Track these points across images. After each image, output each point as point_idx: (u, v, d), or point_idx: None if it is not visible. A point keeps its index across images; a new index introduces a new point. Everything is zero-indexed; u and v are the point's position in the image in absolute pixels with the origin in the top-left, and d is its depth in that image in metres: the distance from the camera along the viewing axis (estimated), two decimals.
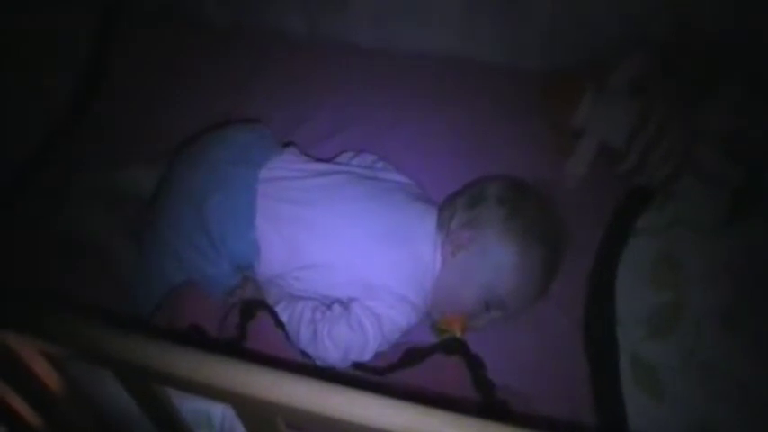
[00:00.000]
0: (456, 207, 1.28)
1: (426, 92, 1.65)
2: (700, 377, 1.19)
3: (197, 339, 1.10)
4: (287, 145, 1.37)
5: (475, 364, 1.17)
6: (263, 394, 0.67)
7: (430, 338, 1.27)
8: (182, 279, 1.20)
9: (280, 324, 1.16)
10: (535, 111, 1.57)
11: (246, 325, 1.13)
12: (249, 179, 1.24)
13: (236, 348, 1.11)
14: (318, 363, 1.17)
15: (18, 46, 1.52)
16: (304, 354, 1.17)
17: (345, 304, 1.19)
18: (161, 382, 0.77)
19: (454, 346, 1.20)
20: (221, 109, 1.56)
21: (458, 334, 1.23)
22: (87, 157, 1.54)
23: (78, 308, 1.16)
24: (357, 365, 1.18)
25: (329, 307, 1.20)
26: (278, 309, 1.18)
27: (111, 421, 1.00)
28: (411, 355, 1.20)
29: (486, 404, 1.13)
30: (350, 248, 1.22)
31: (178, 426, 0.90)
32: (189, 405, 0.91)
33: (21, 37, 1.53)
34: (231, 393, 0.68)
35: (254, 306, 1.16)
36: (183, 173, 1.27)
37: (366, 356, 1.17)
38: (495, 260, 1.22)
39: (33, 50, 1.56)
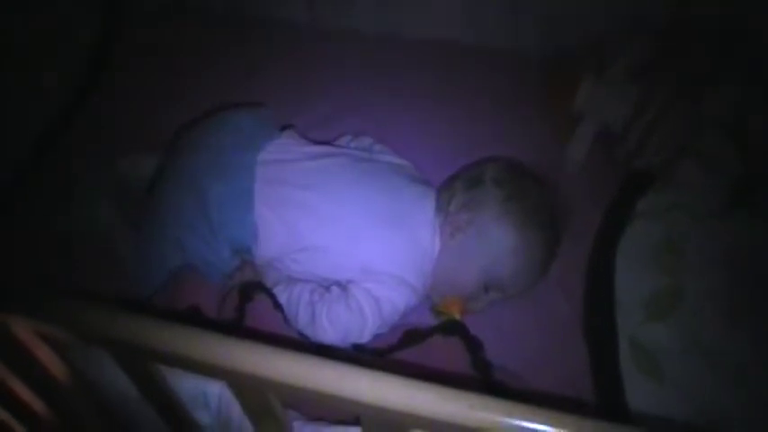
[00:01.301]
0: (454, 189, 1.28)
1: (427, 78, 1.65)
2: (699, 360, 1.19)
3: (195, 321, 1.10)
4: (285, 128, 1.37)
5: (474, 346, 1.17)
6: (254, 369, 0.67)
7: (429, 320, 1.27)
8: (181, 263, 1.21)
9: (278, 306, 1.16)
10: (535, 96, 1.57)
11: (245, 307, 1.14)
12: (248, 163, 1.23)
13: (235, 330, 1.11)
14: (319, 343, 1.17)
15: (18, 45, 1.52)
16: (302, 336, 1.17)
17: (344, 286, 1.19)
18: (154, 360, 0.78)
19: (453, 328, 1.20)
20: (223, 97, 1.55)
21: (457, 316, 1.24)
22: (88, 152, 1.53)
23: (76, 292, 1.19)
24: (356, 347, 1.18)
25: (327, 289, 1.20)
26: (276, 291, 1.19)
27: (112, 406, 1.01)
28: (410, 337, 1.20)
29: (483, 384, 1.13)
30: (348, 231, 1.22)
31: (176, 407, 0.90)
32: (186, 386, 0.91)
33: (21, 36, 1.53)
34: (223, 369, 0.69)
35: (253, 288, 1.16)
36: (182, 157, 1.28)
37: (364, 338, 1.18)
38: (494, 242, 1.22)
39: (33, 49, 1.56)
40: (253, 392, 0.74)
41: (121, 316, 0.73)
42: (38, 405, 1.01)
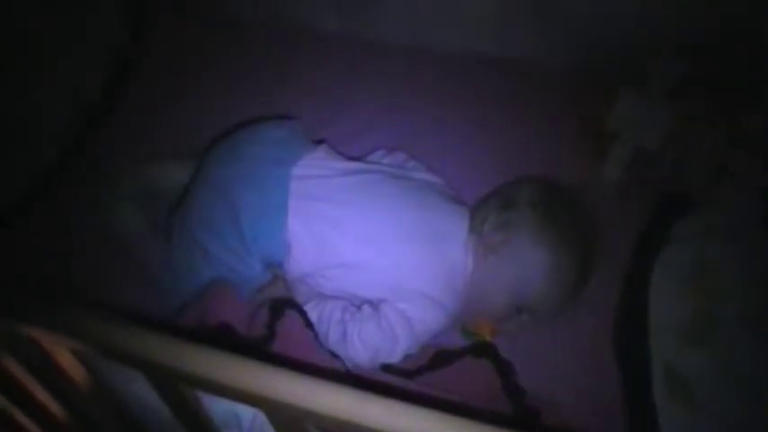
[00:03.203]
0: (489, 209, 1.27)
1: (456, 91, 1.64)
2: (734, 387, 1.17)
3: (226, 338, 1.10)
4: (319, 142, 1.36)
5: (505, 369, 1.16)
6: (294, 400, 0.66)
7: (459, 341, 1.26)
8: (211, 276, 1.20)
9: (309, 323, 1.15)
10: (565, 111, 1.56)
11: (275, 324, 1.13)
12: (282, 177, 1.22)
13: (266, 348, 1.10)
14: (347, 363, 1.16)
15: (46, 45, 1.52)
16: (332, 354, 1.16)
17: (375, 305, 1.18)
18: (191, 385, 0.77)
19: (484, 350, 1.19)
20: (252, 106, 1.55)
21: (487, 337, 1.22)
22: (116, 154, 1.54)
23: (108, 306, 1.18)
24: (385, 367, 1.17)
25: (359, 307, 1.19)
26: (307, 308, 1.18)
27: (137, 420, 1.01)
28: (440, 358, 1.19)
29: (517, 412, 1.11)
30: (381, 249, 1.20)
31: (207, 427, 0.89)
32: (218, 406, 0.90)
33: (50, 37, 1.53)
34: (262, 398, 0.68)
35: (284, 305, 1.15)
36: (215, 169, 1.27)
37: (395, 358, 1.16)
38: (527, 265, 1.21)
39: (62, 49, 1.56)
40: (291, 422, 0.73)
41: (156, 339, 0.72)
42: (65, 419, 1.01)
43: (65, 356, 0.84)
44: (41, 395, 0.97)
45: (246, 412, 0.94)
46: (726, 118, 1.37)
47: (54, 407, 0.99)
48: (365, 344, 1.14)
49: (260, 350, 1.08)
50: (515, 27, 1.63)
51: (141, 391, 0.95)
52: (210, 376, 0.69)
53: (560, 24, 1.59)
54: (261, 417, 0.93)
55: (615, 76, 1.48)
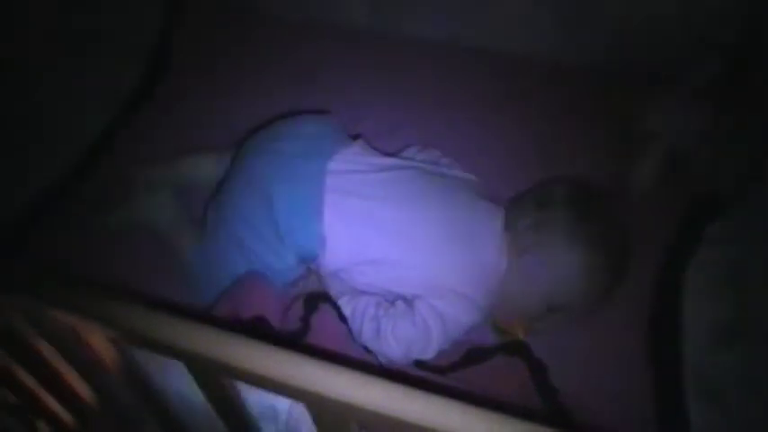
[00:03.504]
0: (523, 208, 1.26)
1: (489, 89, 1.64)
2: (764, 391, 1.16)
3: (260, 331, 1.10)
4: (355, 137, 1.36)
5: (537, 369, 1.16)
6: (341, 396, 0.66)
7: (491, 338, 1.25)
8: (245, 269, 1.21)
9: (343, 318, 1.16)
10: (601, 112, 1.55)
11: (310, 317, 1.13)
12: (318, 172, 1.23)
13: (300, 341, 1.11)
14: (380, 358, 1.16)
15: (79, 43, 1.53)
16: (365, 349, 1.16)
17: (409, 302, 1.18)
18: (235, 377, 0.77)
19: (516, 349, 1.19)
20: (284, 100, 1.55)
21: (520, 336, 1.22)
22: (150, 145, 1.55)
23: (144, 296, 1.19)
24: (418, 363, 1.17)
25: (392, 303, 1.18)
26: (341, 302, 1.18)
27: (171, 409, 1.01)
28: (473, 356, 1.19)
29: (549, 410, 1.11)
30: (416, 246, 1.20)
31: (244, 419, 0.90)
32: (256, 398, 0.91)
33: (82, 34, 1.54)
34: (308, 393, 0.68)
35: (318, 299, 1.15)
36: (252, 163, 1.27)
37: (428, 355, 1.16)
38: (561, 264, 1.20)
39: (94, 47, 1.57)
40: (334, 417, 0.73)
41: (202, 330, 0.72)
42: (96, 404, 1.02)
43: (101, 343, 0.85)
44: (74, 379, 0.98)
45: (283, 404, 0.94)
46: (759, 118, 1.35)
47: (86, 392, 1.00)
48: (399, 340, 1.14)
49: (295, 343, 1.08)
50: (546, 26, 1.62)
51: (177, 381, 0.96)
52: (255, 368, 0.69)
53: (592, 24, 1.58)
54: (297, 409, 0.94)
55: (647, 76, 1.47)
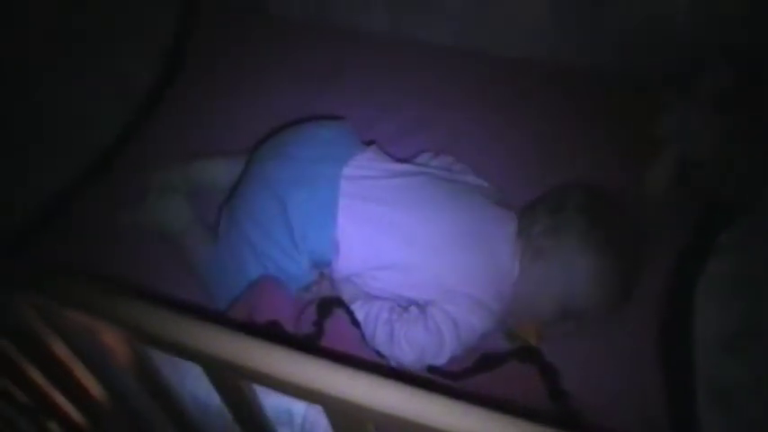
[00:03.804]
0: (537, 214, 1.27)
1: (505, 94, 1.65)
2: None
3: (275, 335, 1.11)
4: (369, 143, 1.37)
5: (550, 374, 1.16)
6: (358, 399, 0.67)
7: (504, 344, 1.26)
8: (259, 273, 1.21)
9: (356, 323, 1.16)
10: (612, 118, 1.55)
11: (323, 322, 1.14)
12: (332, 177, 1.23)
13: (316, 347, 1.11)
14: (393, 363, 1.16)
15: (96, 41, 1.54)
16: (378, 354, 1.17)
17: (422, 307, 1.19)
18: (253, 380, 0.78)
19: (529, 355, 1.19)
20: (300, 104, 1.56)
21: (533, 341, 1.22)
22: (163, 151, 1.56)
23: (160, 297, 1.19)
24: (431, 368, 1.17)
25: (406, 308, 1.19)
26: (354, 307, 1.18)
27: (185, 412, 1.02)
28: (486, 361, 1.19)
29: (562, 416, 1.11)
30: (430, 251, 1.21)
31: (258, 421, 0.90)
32: (271, 402, 0.91)
33: (99, 32, 1.55)
34: (325, 396, 0.68)
35: (332, 303, 1.16)
36: (266, 167, 1.28)
37: (441, 360, 1.17)
38: (574, 270, 1.20)
39: (115, 38, 1.58)
40: (351, 420, 0.73)
41: (221, 333, 0.72)
42: (106, 402, 1.02)
43: (115, 342, 0.86)
44: (86, 379, 0.98)
45: (299, 408, 0.95)
46: None
47: (98, 391, 1.01)
48: (412, 345, 1.14)
49: (310, 347, 1.09)
50: (564, 33, 1.63)
51: (191, 383, 0.97)
52: (273, 371, 0.69)
53: (610, 32, 1.58)
54: (312, 413, 0.95)
55: (663, 84, 1.47)
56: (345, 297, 1.21)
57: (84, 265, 1.34)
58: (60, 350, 0.92)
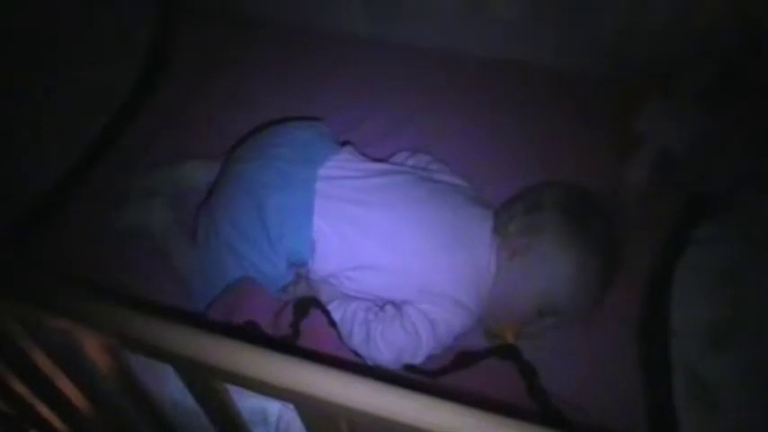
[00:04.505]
0: (513, 212, 1.27)
1: (483, 95, 1.64)
2: (758, 391, 1.16)
3: (252, 336, 1.10)
4: (344, 144, 1.36)
5: (528, 371, 1.16)
6: (329, 396, 0.66)
7: (482, 343, 1.26)
8: (238, 275, 1.21)
9: (332, 323, 1.16)
10: (593, 117, 1.55)
11: (300, 323, 1.13)
12: (308, 178, 1.23)
13: (291, 346, 1.11)
14: (370, 363, 1.16)
15: (75, 43, 1.53)
16: (356, 354, 1.16)
17: (399, 306, 1.19)
18: (225, 380, 0.77)
19: (507, 352, 1.19)
20: (278, 108, 1.56)
21: (511, 340, 1.22)
22: (143, 154, 1.55)
23: (140, 301, 1.19)
24: (409, 367, 1.17)
25: (382, 308, 1.19)
26: (331, 308, 1.18)
27: (166, 416, 1.01)
28: (463, 359, 1.19)
29: (541, 413, 1.11)
30: (406, 251, 1.21)
31: (234, 422, 0.89)
32: (247, 402, 0.91)
33: (77, 34, 1.54)
34: (296, 393, 0.68)
35: (308, 304, 1.16)
36: (242, 169, 1.28)
37: (418, 359, 1.17)
38: (551, 267, 1.21)
39: (90, 48, 1.57)
40: (323, 418, 0.73)
41: (191, 334, 0.72)
42: (90, 412, 1.01)
43: (96, 350, 0.85)
44: (67, 386, 0.97)
45: (274, 408, 0.94)
46: (754, 124, 1.36)
47: (80, 400, 1.00)
48: (388, 344, 1.14)
49: (287, 348, 1.08)
50: (543, 32, 1.63)
51: (171, 386, 0.96)
52: (243, 370, 0.69)
53: (588, 30, 1.58)
54: (288, 413, 0.94)
55: (644, 81, 1.48)
56: (322, 297, 1.21)
57: (67, 268, 1.34)
58: (40, 357, 0.92)
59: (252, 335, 1.09)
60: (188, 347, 0.71)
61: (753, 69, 1.39)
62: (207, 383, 0.80)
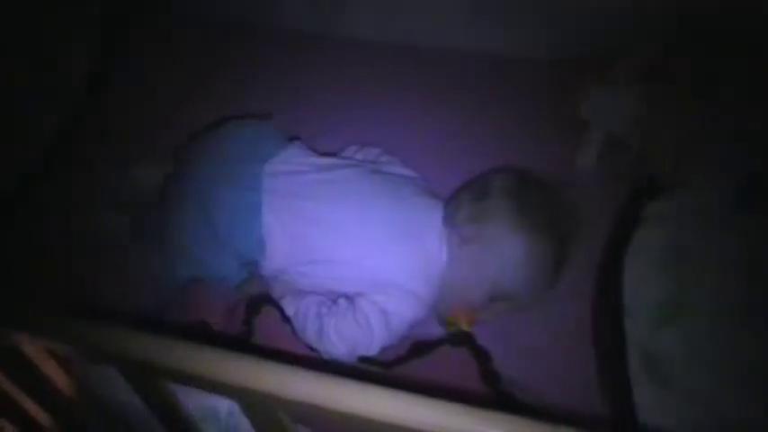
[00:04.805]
0: (462, 200, 1.28)
1: (431, 85, 1.65)
2: (711, 366, 1.17)
3: (205, 336, 1.10)
4: (292, 140, 1.37)
5: (482, 357, 1.17)
6: (264, 388, 0.67)
7: (438, 331, 1.26)
8: (189, 276, 1.21)
9: (286, 319, 1.16)
10: (540, 103, 1.57)
11: (253, 320, 1.14)
12: (255, 175, 1.23)
13: (245, 344, 1.11)
14: (325, 357, 1.17)
15: (28, 46, 1.52)
16: (310, 348, 1.17)
17: (351, 299, 1.19)
18: (164, 377, 0.78)
19: (461, 339, 1.20)
20: (226, 106, 1.55)
21: (465, 327, 1.23)
22: (93, 156, 1.55)
23: (84, 306, 1.19)
24: (364, 359, 1.18)
25: (335, 302, 1.19)
26: (284, 304, 1.19)
27: (118, 417, 1.01)
28: (418, 348, 1.20)
29: (492, 396, 1.12)
30: (357, 243, 1.21)
31: (183, 421, 0.90)
32: (196, 399, 0.91)
33: (30, 37, 1.53)
34: (232, 387, 0.69)
35: (261, 301, 1.16)
36: (187, 169, 1.28)
37: (372, 351, 1.17)
38: (502, 253, 1.22)
39: (41, 48, 1.56)
40: (263, 410, 0.74)
41: (132, 334, 0.73)
42: (44, 418, 1.01)
43: (43, 358, 0.85)
44: (20, 398, 0.97)
45: (223, 404, 0.95)
46: (692, 103, 1.38)
47: (36, 412, 1.00)
48: (342, 337, 1.14)
49: (238, 345, 1.09)
50: (489, 21, 1.64)
51: (118, 389, 0.96)
52: (179, 367, 0.70)
53: (534, 17, 1.60)
54: (237, 410, 0.94)
55: (589, 67, 1.49)
56: (276, 294, 1.21)
57: (23, 271, 1.34)
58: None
59: (204, 336, 1.09)
60: (122, 346, 0.72)
61: (693, 53, 1.41)
62: (146, 381, 0.80)
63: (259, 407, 0.74)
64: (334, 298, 1.20)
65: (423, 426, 0.64)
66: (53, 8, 1.58)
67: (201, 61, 1.72)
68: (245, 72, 1.69)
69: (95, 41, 1.71)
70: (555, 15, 1.57)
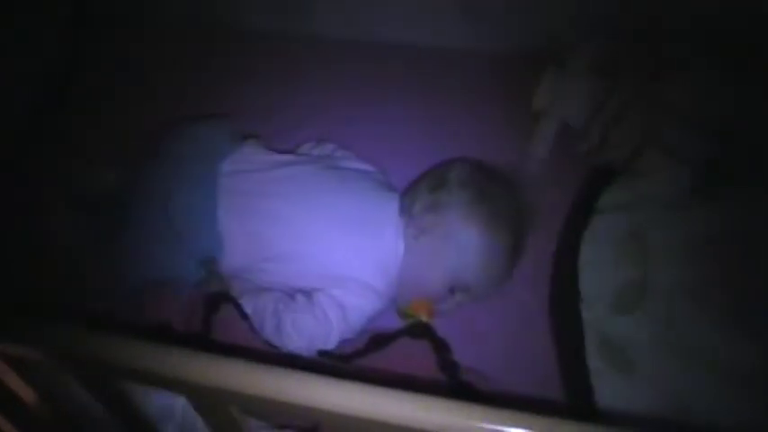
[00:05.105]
0: (418, 191, 1.29)
1: (389, 81, 1.65)
2: (669, 351, 1.19)
3: (163, 336, 1.10)
4: (249, 137, 1.37)
5: (440, 347, 1.18)
6: (212, 382, 0.67)
7: (397, 324, 1.27)
8: (148, 276, 1.21)
9: (244, 316, 1.16)
10: (496, 95, 1.57)
11: (211, 318, 1.14)
12: (211, 173, 1.24)
13: (203, 342, 1.11)
14: (284, 352, 1.17)
15: None
16: (270, 345, 1.17)
17: (309, 294, 1.19)
18: (114, 376, 0.77)
19: (419, 331, 1.20)
20: (186, 107, 1.55)
21: (424, 318, 1.24)
22: (53, 158, 1.53)
23: (38, 308, 1.18)
24: (323, 353, 1.18)
25: (293, 297, 1.19)
26: (242, 301, 1.18)
27: (77, 419, 1.00)
28: (377, 341, 1.20)
29: (450, 386, 1.13)
30: (313, 239, 1.22)
31: (139, 420, 0.90)
32: (152, 398, 0.91)
33: None
34: (179, 382, 0.69)
35: (218, 299, 1.16)
36: (144, 171, 1.27)
37: (330, 345, 1.18)
38: (459, 243, 1.23)
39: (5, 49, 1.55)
40: (212, 405, 0.74)
41: (81, 332, 0.72)
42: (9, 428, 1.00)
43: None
44: None
45: (179, 402, 0.95)
46: (649, 91, 1.39)
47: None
48: (300, 332, 1.15)
49: (195, 344, 1.09)
50: (445, 16, 1.65)
51: (74, 390, 0.96)
52: (129, 365, 0.70)
53: (491, 10, 1.61)
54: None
55: (544, 59, 1.51)
56: (235, 292, 1.21)
57: None
58: None
59: (162, 336, 1.09)
60: (73, 345, 0.72)
61: (648, 40, 1.42)
62: (97, 380, 0.80)
63: (209, 401, 0.74)
64: (292, 294, 1.20)
65: (373, 415, 0.65)
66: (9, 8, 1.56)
67: (161, 64, 1.71)
68: (205, 73, 1.69)
69: (54, 42, 1.70)
70: (511, 8, 1.58)
